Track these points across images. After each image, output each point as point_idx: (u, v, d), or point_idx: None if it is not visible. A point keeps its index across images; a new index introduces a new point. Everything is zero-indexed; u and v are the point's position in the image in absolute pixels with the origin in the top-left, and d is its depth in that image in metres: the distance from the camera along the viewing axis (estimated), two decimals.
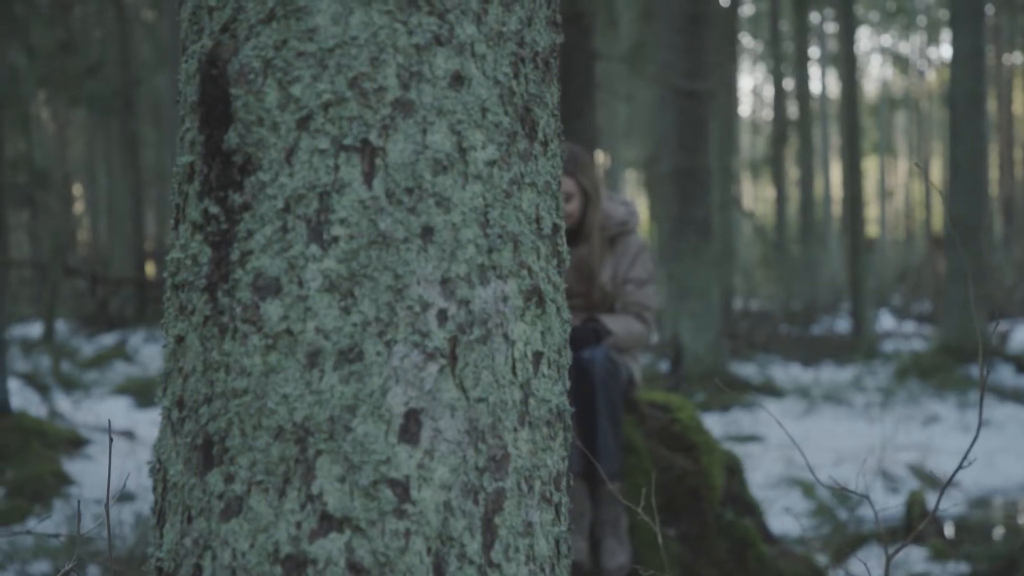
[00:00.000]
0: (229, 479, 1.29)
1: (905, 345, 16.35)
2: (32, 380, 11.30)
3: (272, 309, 1.29)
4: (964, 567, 5.24)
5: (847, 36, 17.28)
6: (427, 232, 1.30)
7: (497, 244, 1.34)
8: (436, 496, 1.29)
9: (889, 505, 7.65)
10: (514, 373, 1.35)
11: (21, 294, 22.45)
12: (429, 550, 1.28)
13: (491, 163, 1.34)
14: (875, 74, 54.25)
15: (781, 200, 23.59)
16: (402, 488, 1.28)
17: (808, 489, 8.47)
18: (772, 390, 12.13)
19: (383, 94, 1.31)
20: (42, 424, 7.80)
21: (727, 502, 4.51)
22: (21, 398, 10.14)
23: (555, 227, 1.41)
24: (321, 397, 1.28)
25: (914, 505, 6.18)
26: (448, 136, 1.32)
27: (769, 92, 44.34)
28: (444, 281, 1.31)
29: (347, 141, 1.30)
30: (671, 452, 4.37)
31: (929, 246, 22.51)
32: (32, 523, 5.95)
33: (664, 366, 12.84)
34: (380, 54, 1.30)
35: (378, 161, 1.30)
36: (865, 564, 2.06)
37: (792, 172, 31.66)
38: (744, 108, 49.74)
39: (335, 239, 1.29)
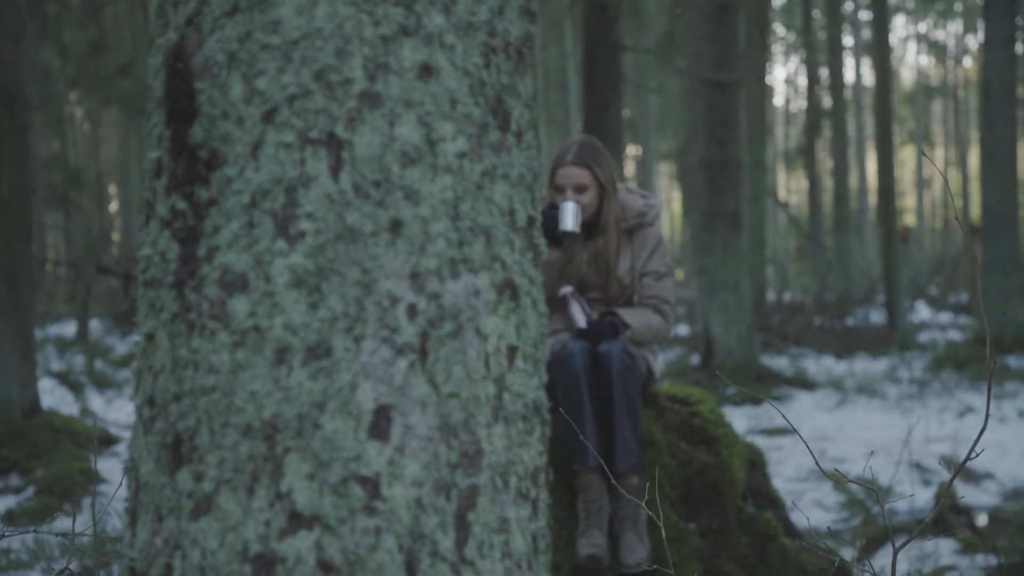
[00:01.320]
0: (198, 477, 1.28)
1: (941, 336, 16.20)
2: (66, 379, 11.39)
3: (239, 305, 1.27)
4: (993, 560, 5.17)
5: (880, 24, 17.11)
6: (395, 226, 1.28)
7: (468, 237, 1.32)
8: (407, 493, 1.27)
9: (921, 498, 7.57)
10: (487, 368, 1.32)
11: (56, 293, 22.64)
12: (400, 548, 1.26)
13: (461, 155, 1.32)
14: (911, 62, 53.76)
15: (814, 191, 23.43)
16: (372, 485, 1.26)
17: (839, 482, 8.40)
18: (804, 383, 12.04)
19: (349, 86, 1.29)
20: (72, 422, 7.84)
21: (749, 496, 4.47)
22: (55, 397, 10.22)
23: (530, 219, 1.39)
24: (289, 394, 1.26)
25: (943, 497, 6.11)
26: (416, 128, 1.30)
27: (804, 82, 44.10)
28: (413, 275, 1.29)
29: (313, 134, 1.28)
30: (691, 446, 4.33)
31: (966, 236, 22.31)
32: (60, 521, 5.98)
33: (695, 359, 12.78)
34: (346, 46, 1.28)
35: (345, 154, 1.28)
36: (869, 561, 2.02)
37: (827, 162, 31.46)
38: (779, 98, 49.47)
39: (302, 234, 1.27)
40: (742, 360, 11.64)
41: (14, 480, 6.97)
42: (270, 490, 1.26)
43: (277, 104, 1.28)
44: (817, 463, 2.15)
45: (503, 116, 1.37)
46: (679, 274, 26.71)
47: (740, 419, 10.47)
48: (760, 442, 9.70)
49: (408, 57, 1.30)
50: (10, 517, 6.23)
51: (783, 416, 2.10)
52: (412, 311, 1.28)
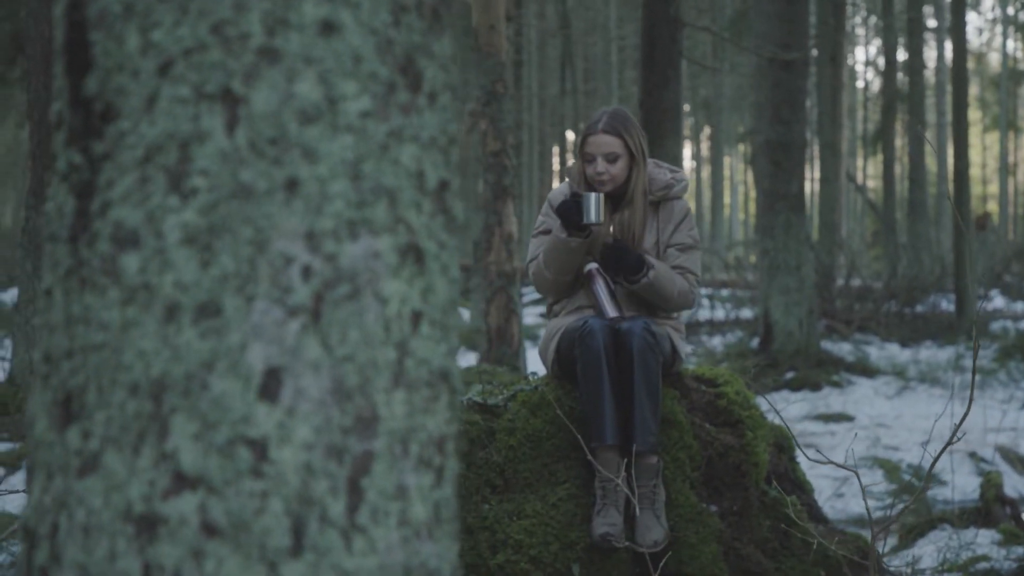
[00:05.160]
0: (86, 436, 1.27)
1: (1013, 325, 15.87)
2: None
3: (130, 261, 1.25)
4: None
5: (958, 6, 16.74)
6: (291, 185, 1.26)
7: (369, 198, 1.28)
8: (296, 456, 1.25)
9: (970, 486, 7.44)
10: (387, 332, 1.29)
11: None
12: (288, 512, 1.24)
13: (365, 115, 1.29)
14: (999, 45, 52.58)
15: (889, 175, 23.01)
16: (260, 448, 1.24)
17: (892, 469, 8.29)
18: (865, 369, 11.86)
19: (247, 41, 1.26)
20: None
21: (773, 479, 4.39)
22: None
23: (442, 183, 1.35)
24: (178, 353, 1.24)
25: (988, 487, 5.99)
26: (316, 86, 1.27)
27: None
28: (309, 235, 1.26)
29: (208, 89, 1.25)
30: (715, 427, 4.27)
31: None
32: None
33: (754, 343, 12.65)
34: None
35: (241, 110, 1.26)
36: (871, 547, 1.96)
37: (907, 146, 30.97)
38: (860, 81, 48.77)
39: (195, 190, 1.25)
40: (802, 344, 11.49)
41: None
42: (155, 450, 1.24)
43: (173, 57, 1.26)
44: (804, 452, 2.09)
45: (414, 76, 1.33)
46: (751, 258, 26.51)
47: (799, 404, 10.35)
48: (814, 427, 9.58)
49: (309, 13, 1.27)
50: None
51: (775, 410, 2.04)
52: (307, 272, 1.26)
